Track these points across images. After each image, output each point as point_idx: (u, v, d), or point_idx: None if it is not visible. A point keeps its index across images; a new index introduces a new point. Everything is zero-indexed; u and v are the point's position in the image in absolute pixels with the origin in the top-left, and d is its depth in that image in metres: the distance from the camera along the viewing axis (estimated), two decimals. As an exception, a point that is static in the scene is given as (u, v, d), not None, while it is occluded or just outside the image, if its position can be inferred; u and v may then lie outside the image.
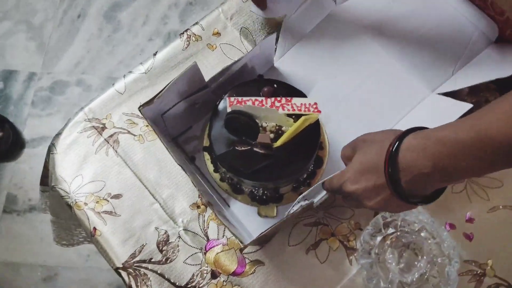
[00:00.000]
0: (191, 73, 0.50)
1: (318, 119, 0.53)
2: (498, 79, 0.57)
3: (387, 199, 0.40)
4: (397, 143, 0.38)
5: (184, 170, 0.46)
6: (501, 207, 0.56)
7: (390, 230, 0.54)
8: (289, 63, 0.64)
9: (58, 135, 0.61)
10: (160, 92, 0.49)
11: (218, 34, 0.67)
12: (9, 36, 1.40)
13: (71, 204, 0.57)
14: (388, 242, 0.54)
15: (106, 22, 1.47)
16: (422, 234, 0.53)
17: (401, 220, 0.54)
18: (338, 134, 0.60)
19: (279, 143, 0.50)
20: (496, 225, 0.55)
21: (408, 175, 0.37)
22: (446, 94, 0.59)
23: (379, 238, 0.54)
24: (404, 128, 0.55)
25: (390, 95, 0.60)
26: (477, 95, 0.62)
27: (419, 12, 0.65)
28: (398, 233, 0.54)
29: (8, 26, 1.42)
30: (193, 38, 0.66)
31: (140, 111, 0.49)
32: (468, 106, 0.52)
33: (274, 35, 0.56)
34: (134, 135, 0.60)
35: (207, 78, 0.54)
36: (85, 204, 0.57)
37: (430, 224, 0.53)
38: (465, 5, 0.63)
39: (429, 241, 0.52)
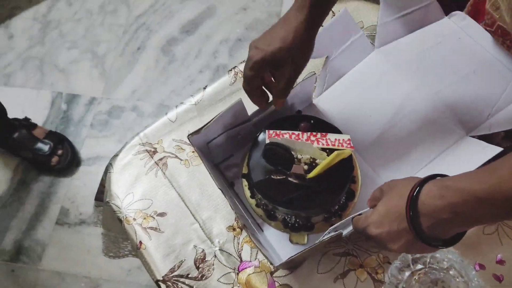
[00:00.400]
0: (236, 108, 0.56)
1: (351, 154, 0.56)
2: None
3: (410, 243, 0.42)
4: (417, 189, 0.41)
5: (223, 193, 0.51)
6: (533, 251, 0.56)
7: (419, 266, 0.56)
8: (327, 101, 0.68)
9: (115, 156, 0.68)
10: (207, 123, 0.55)
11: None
12: (75, 63, 1.56)
13: (122, 219, 0.63)
14: (416, 277, 0.55)
15: (162, 55, 1.60)
16: (451, 272, 0.54)
17: (430, 257, 0.55)
18: (371, 170, 0.63)
19: (312, 174, 0.54)
20: (529, 269, 0.55)
21: (428, 220, 0.40)
22: (481, 137, 0.61)
23: (407, 273, 0.56)
24: (437, 170, 0.58)
25: (423, 135, 0.62)
26: (512, 140, 0.63)
27: (456, 57, 0.67)
28: (426, 269, 0.55)
29: (75, 54, 1.58)
30: (240, 74, 0.73)
31: (188, 139, 0.55)
32: (497, 150, 0.54)
33: (314, 76, 0.61)
34: (181, 160, 0.66)
35: (250, 112, 0.60)
36: (134, 219, 0.63)
37: (459, 263, 0.54)
38: (501, 51, 0.66)
39: (457, 279, 0.53)
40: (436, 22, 0.71)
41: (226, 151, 0.65)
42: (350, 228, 0.52)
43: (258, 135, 0.60)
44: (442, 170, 0.56)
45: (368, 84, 0.68)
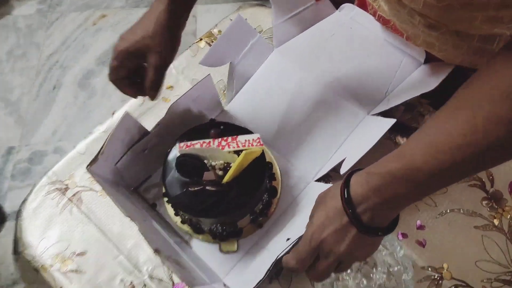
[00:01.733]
0: (126, 122, 0.55)
1: (263, 151, 0.56)
2: (430, 94, 0.62)
3: (356, 238, 0.42)
4: (346, 184, 0.42)
5: (132, 219, 0.49)
6: (448, 211, 0.59)
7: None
8: (238, 106, 0.69)
9: (24, 201, 0.63)
10: (101, 148, 0.53)
11: (171, 87, 0.72)
12: (-13, 115, 1.46)
13: (38, 268, 0.59)
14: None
15: (80, 90, 1.54)
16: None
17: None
18: (289, 164, 0.63)
19: (227, 178, 0.54)
20: (446, 228, 0.58)
21: (364, 211, 0.41)
22: (383, 115, 0.64)
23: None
24: (347, 153, 0.60)
25: (331, 123, 0.64)
26: (412, 112, 0.66)
27: (350, 45, 0.71)
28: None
29: (-14, 106, 1.47)
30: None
31: (88, 170, 0.52)
32: (391, 121, 0.56)
33: (208, 77, 0.61)
34: (96, 191, 0.63)
35: (151, 124, 0.59)
36: (51, 266, 0.58)
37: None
38: (390, 34, 0.70)
39: (383, 253, 0.54)
40: (329, 16, 0.74)
41: (141, 172, 0.63)
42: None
43: (170, 150, 0.59)
44: (351, 152, 0.58)
45: (272, 82, 0.69)
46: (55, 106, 1.49)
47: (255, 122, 0.66)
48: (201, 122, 0.66)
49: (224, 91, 0.72)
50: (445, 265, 0.56)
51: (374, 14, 0.70)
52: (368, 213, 0.41)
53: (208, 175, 0.53)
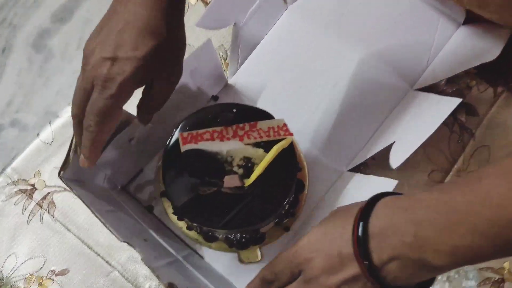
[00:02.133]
0: None
1: (291, 141, 0.44)
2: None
3: (355, 280, 0.29)
4: (370, 202, 0.29)
5: (130, 244, 0.36)
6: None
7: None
8: (246, 79, 0.55)
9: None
10: (72, 143, 0.39)
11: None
12: None
13: (7, 293, 0.46)
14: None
15: (35, 52, 1.33)
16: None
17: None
18: (317, 150, 0.52)
19: (250, 181, 0.42)
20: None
21: (381, 248, 0.27)
22: (425, 89, 0.53)
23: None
24: (390, 133, 0.48)
25: (366, 97, 0.53)
26: (457, 83, 0.56)
27: (377, 2, 0.58)
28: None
29: None
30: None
31: (61, 179, 0.39)
32: (456, 101, 0.45)
33: (209, 42, 0.47)
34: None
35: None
36: (24, 289, 0.46)
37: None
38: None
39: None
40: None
41: (130, 166, 0.49)
42: None
43: (170, 140, 0.46)
44: (400, 137, 0.47)
45: (289, 49, 0.56)
46: (7, 72, 1.29)
47: (267, 100, 0.54)
48: (200, 101, 0.53)
49: (226, 60, 0.58)
50: (505, 265, 0.48)
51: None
52: (399, 272, 0.27)
53: (231, 180, 0.41)
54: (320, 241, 0.30)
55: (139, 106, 0.39)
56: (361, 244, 0.28)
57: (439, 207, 0.26)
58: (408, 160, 0.47)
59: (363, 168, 0.51)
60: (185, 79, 0.50)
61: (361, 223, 0.28)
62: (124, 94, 0.33)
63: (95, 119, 0.32)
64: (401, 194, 0.30)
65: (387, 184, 0.45)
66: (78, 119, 0.34)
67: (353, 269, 0.28)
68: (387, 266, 0.27)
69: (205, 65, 0.51)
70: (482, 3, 0.48)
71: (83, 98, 0.33)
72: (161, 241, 0.44)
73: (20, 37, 1.34)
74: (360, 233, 0.28)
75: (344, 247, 0.28)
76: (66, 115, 0.53)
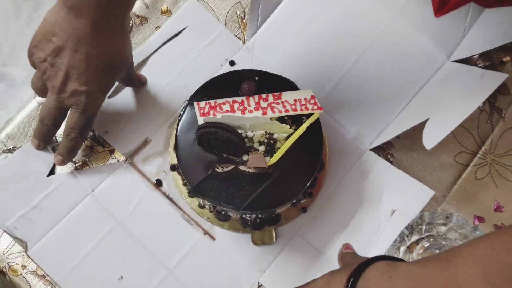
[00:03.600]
0: None
1: (318, 117, 0.40)
2: None
3: None
4: (360, 269, 0.31)
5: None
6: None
7: (414, 238, 0.45)
8: (265, 42, 0.50)
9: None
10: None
11: (168, 12, 0.51)
12: None
13: (4, 270, 0.42)
14: (414, 254, 0.44)
15: (23, 1, 1.23)
16: (450, 236, 0.45)
17: (426, 223, 0.45)
18: (338, 127, 0.48)
19: (273, 160, 0.38)
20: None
21: None
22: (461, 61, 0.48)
23: (402, 249, 0.45)
24: (426, 103, 0.44)
25: (397, 66, 0.48)
26: (491, 57, 0.51)
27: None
28: (424, 242, 0.44)
29: None
30: (137, 20, 0.50)
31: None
32: (502, 76, 0.41)
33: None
34: (75, 163, 0.45)
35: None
36: (23, 266, 0.42)
37: (457, 222, 0.44)
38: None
39: (460, 242, 0.43)
40: None
41: (134, 133, 0.45)
42: None
43: (183, 110, 0.41)
44: (431, 107, 0.43)
45: (314, 9, 0.50)
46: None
47: (290, 66, 0.49)
48: (216, 66, 0.48)
49: (243, 19, 0.52)
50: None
51: None
52: None
53: (256, 160, 0.37)
54: None
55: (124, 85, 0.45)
56: None
57: (416, 279, 0.29)
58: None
59: (387, 147, 0.48)
60: (188, 41, 0.45)
61: (351, 280, 0.31)
62: (99, 107, 0.41)
63: (79, 131, 0.40)
64: (391, 258, 0.32)
65: (409, 183, 0.42)
66: (48, 128, 0.41)
67: None
68: None
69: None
70: None
71: (58, 116, 0.40)
72: (167, 216, 0.41)
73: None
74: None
75: None
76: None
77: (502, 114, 0.50)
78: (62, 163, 0.41)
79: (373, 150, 0.47)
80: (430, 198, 0.46)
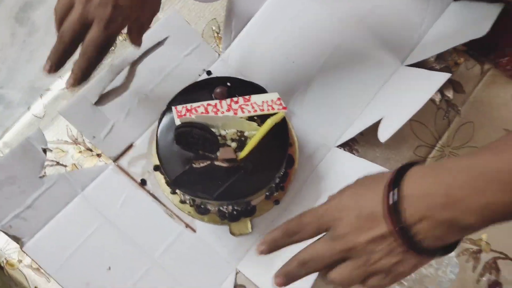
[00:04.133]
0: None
1: (284, 116, 0.45)
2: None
3: (403, 255, 0.29)
4: (399, 173, 0.30)
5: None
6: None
7: None
8: (239, 53, 0.55)
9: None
10: None
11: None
12: None
13: (2, 265, 0.46)
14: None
15: (18, 26, 1.29)
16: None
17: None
18: (307, 125, 0.53)
19: (244, 153, 0.42)
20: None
21: (423, 227, 0.28)
22: (415, 65, 0.54)
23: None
24: (381, 108, 0.50)
25: (356, 73, 0.53)
26: (446, 60, 0.57)
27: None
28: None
29: None
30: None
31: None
32: (445, 76, 0.47)
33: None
34: (66, 166, 0.50)
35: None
36: (19, 261, 0.46)
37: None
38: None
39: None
40: None
41: (118, 136, 0.50)
42: None
43: (163, 114, 0.46)
44: (389, 112, 0.49)
45: (283, 23, 0.56)
46: (-12, 46, 1.25)
47: (263, 76, 0.54)
48: (194, 76, 0.53)
49: (218, 34, 0.57)
50: (483, 237, 0.50)
51: None
52: (429, 232, 0.28)
53: (226, 152, 0.41)
54: (352, 201, 0.31)
55: (129, 32, 0.42)
56: (393, 204, 0.28)
57: (470, 170, 0.27)
58: (395, 136, 0.48)
59: (352, 143, 0.52)
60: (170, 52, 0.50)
61: (393, 186, 0.29)
62: (120, 30, 0.39)
63: (96, 49, 0.38)
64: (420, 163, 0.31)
65: (373, 168, 0.46)
66: (65, 45, 0.38)
67: (382, 228, 0.29)
68: (416, 226, 0.28)
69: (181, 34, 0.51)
70: None
71: (79, 30, 0.38)
72: (153, 213, 0.45)
73: (2, 10, 1.29)
74: (392, 195, 0.29)
75: (375, 206, 0.29)
76: (57, 88, 0.52)
77: (458, 111, 0.55)
78: (75, 83, 0.39)
79: (339, 146, 0.52)
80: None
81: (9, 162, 0.45)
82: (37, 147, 0.46)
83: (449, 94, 0.55)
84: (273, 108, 0.44)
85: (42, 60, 1.20)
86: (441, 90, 0.55)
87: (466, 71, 0.56)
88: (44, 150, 0.47)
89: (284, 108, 0.44)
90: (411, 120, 0.53)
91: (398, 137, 0.51)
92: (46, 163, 0.49)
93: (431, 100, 0.55)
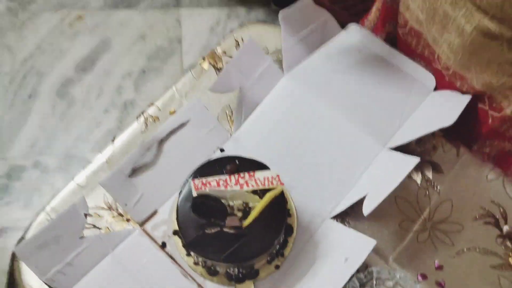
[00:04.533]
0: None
1: (283, 190, 0.54)
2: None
3: None
4: None
5: None
6: (465, 249, 0.59)
7: (367, 290, 0.55)
8: (248, 134, 0.66)
9: (21, 239, 0.58)
10: None
11: (175, 112, 0.69)
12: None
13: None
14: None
15: (59, 99, 1.45)
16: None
17: (376, 278, 0.55)
18: (304, 199, 0.61)
19: (248, 221, 0.51)
20: (464, 268, 0.58)
21: None
22: (397, 148, 0.63)
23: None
24: (366, 190, 0.58)
25: (346, 155, 0.63)
26: (424, 144, 0.66)
27: (359, 70, 0.70)
28: (375, 292, 0.55)
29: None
30: (151, 119, 0.67)
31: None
32: (414, 160, 0.56)
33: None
34: (100, 229, 0.59)
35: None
36: (56, 311, 0.54)
37: (403, 278, 0.55)
38: (402, 59, 0.69)
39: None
40: (335, 37, 0.73)
41: (145, 204, 0.59)
42: None
43: (184, 187, 0.56)
44: (372, 190, 0.57)
45: (283, 111, 0.67)
46: (32, 116, 1.41)
47: (265, 152, 0.64)
48: (208, 152, 0.63)
49: (231, 117, 0.69)
50: None
51: (404, 25, 0.68)
52: None
53: (232, 220, 0.50)
54: None
55: None
56: None
57: None
58: (382, 210, 0.56)
59: (344, 216, 0.60)
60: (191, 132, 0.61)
61: None
62: None
63: None
64: None
65: (362, 239, 0.54)
66: None
67: None
68: None
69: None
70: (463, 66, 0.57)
71: None
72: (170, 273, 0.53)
73: (45, 85, 1.47)
74: None
75: None
76: (98, 162, 0.63)
77: (438, 189, 0.63)
78: None
79: (332, 218, 0.60)
80: (380, 257, 0.57)
81: (57, 224, 0.55)
82: (80, 213, 0.55)
83: (429, 174, 0.64)
84: (272, 184, 0.53)
85: (77, 131, 1.37)
86: (422, 171, 0.64)
87: (443, 154, 0.65)
88: (85, 215, 0.56)
89: (281, 184, 0.54)
90: (396, 196, 0.61)
91: (385, 212, 0.60)
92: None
93: (413, 180, 0.63)
